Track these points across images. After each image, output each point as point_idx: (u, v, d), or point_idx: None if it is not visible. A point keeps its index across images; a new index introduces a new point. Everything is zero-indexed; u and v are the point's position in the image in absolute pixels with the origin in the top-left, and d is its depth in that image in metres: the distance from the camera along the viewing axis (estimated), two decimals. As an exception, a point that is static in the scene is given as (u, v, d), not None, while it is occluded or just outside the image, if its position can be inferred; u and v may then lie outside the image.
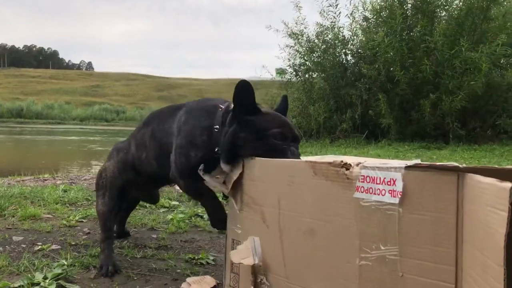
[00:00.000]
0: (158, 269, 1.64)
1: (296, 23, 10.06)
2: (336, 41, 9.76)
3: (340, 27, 9.83)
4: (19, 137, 16.85)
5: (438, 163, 0.90)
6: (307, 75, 10.29)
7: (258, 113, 1.34)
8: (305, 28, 10.11)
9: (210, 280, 1.49)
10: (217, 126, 1.36)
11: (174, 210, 2.55)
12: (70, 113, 38.88)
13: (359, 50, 9.78)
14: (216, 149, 1.33)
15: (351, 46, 9.94)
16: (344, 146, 8.05)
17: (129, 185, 1.71)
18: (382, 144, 8.09)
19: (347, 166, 1.04)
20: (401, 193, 0.93)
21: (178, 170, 1.42)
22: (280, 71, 10.89)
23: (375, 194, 0.98)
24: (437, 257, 0.88)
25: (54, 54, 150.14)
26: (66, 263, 1.59)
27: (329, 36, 9.88)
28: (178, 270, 1.64)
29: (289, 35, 10.02)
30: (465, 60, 7.88)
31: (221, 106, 1.40)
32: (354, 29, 9.87)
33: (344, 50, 9.89)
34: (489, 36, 8.21)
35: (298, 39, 10.03)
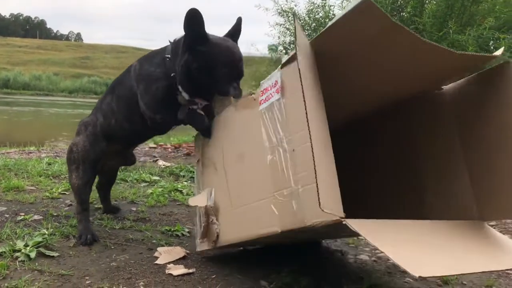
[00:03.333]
0: (134, 239, 1.74)
1: (286, 0, 9.98)
2: (327, 20, 9.71)
3: (331, 6, 9.78)
4: (5, 108, 16.66)
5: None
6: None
7: (207, 42, 1.37)
8: (295, 5, 10.03)
9: (179, 250, 1.60)
10: (168, 56, 1.46)
11: (154, 185, 2.64)
12: (58, 85, 38.34)
13: (349, 30, 9.78)
14: (172, 75, 1.44)
15: (341, 25, 9.92)
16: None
17: (102, 157, 1.74)
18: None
19: (253, 92, 1.26)
20: (280, 88, 1.12)
21: (149, 108, 1.50)
22: (273, 48, 10.84)
23: (270, 99, 1.17)
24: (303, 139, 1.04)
25: (42, 23, 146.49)
26: (47, 232, 1.67)
27: (320, 14, 9.83)
28: (154, 241, 1.74)
29: (279, 13, 9.95)
30: (453, 42, 7.92)
31: (167, 46, 1.51)
32: (346, 7, 9.83)
33: (334, 29, 9.87)
34: (477, 19, 8.24)
35: (289, 16, 9.97)
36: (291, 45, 10.39)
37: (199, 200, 1.47)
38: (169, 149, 3.94)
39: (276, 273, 1.48)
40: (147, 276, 1.41)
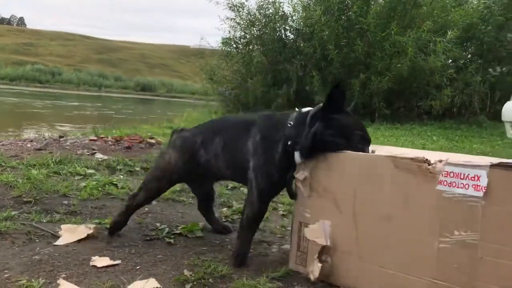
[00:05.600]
0: (61, 233, 1.73)
1: (237, -6, 10.00)
2: (277, 16, 9.86)
3: (281, 2, 9.93)
4: None
5: None
6: (247, 48, 10.36)
7: (342, 113, 1.51)
8: (246, 1, 10.10)
9: (83, 229, 1.59)
10: (291, 122, 1.53)
11: (88, 178, 2.60)
12: (-2, 72, 35.99)
13: (298, 27, 9.98)
14: (288, 142, 1.49)
15: (291, 22, 10.10)
16: (278, 120, 8.29)
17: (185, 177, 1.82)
18: (313, 119, 8.43)
19: (429, 162, 1.22)
20: (485, 188, 1.11)
21: (259, 190, 1.54)
22: (226, 41, 10.83)
23: (458, 187, 1.16)
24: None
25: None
26: (-34, 226, 1.63)
27: (270, 10, 9.96)
28: (82, 234, 1.74)
29: (230, 7, 9.97)
30: (394, 43, 8.34)
31: (292, 114, 1.57)
32: (295, 4, 10.03)
33: (283, 26, 10.03)
34: (417, 21, 8.71)
35: (239, 11, 10.02)
36: (242, 39, 10.46)
37: (316, 235, 1.43)
38: (110, 142, 3.86)
39: (200, 262, 1.54)
40: (70, 269, 1.43)
